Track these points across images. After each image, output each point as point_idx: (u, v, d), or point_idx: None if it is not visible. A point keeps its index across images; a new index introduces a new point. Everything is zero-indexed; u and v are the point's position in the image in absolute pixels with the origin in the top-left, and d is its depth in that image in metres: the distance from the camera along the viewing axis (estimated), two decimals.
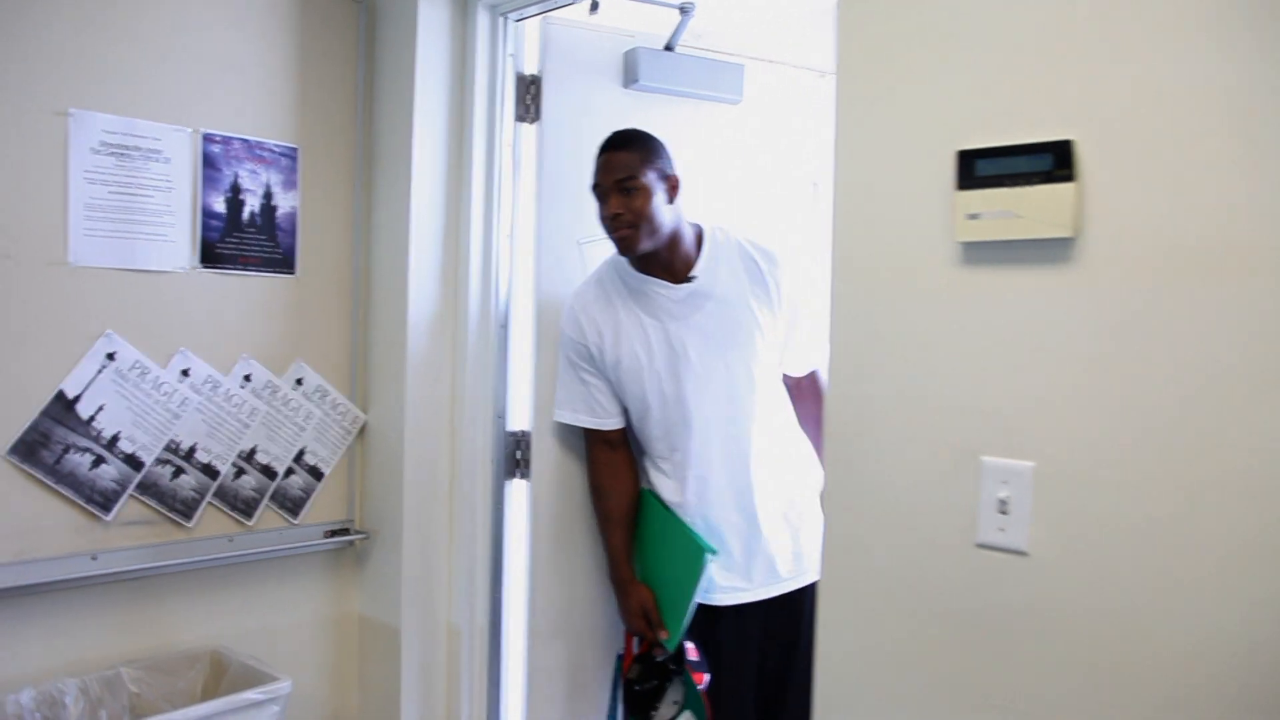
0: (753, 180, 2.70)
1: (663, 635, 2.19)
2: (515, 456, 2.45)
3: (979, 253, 1.40)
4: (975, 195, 1.38)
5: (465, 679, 2.45)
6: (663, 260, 2.19)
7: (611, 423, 2.27)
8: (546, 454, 2.40)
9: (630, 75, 2.49)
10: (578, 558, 2.45)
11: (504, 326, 2.43)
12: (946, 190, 1.42)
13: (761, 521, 2.22)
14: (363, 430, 2.47)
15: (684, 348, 2.19)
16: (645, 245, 2.12)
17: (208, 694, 2.12)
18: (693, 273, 2.20)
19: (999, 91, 1.38)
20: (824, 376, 2.12)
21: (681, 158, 2.56)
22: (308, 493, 2.37)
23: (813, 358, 2.32)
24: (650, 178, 2.12)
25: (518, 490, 2.47)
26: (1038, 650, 1.35)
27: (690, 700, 2.22)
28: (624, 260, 2.23)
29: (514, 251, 2.44)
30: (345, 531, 2.45)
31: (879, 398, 1.52)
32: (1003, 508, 1.38)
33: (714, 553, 2.14)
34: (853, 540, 1.56)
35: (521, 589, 2.45)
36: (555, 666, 2.44)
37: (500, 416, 2.44)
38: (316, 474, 2.39)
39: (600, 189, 2.15)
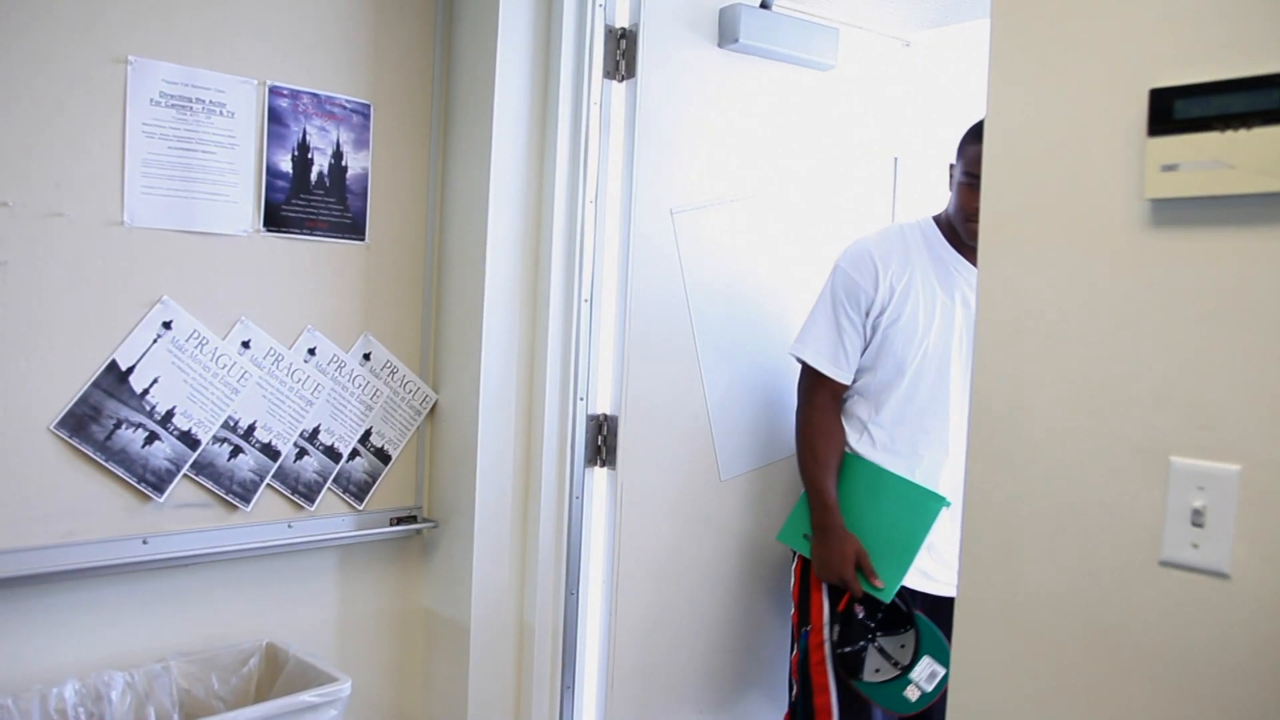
0: (836, 150, 2.53)
1: (878, 584, 2.08)
2: (597, 442, 2.26)
3: (1174, 211, 1.16)
4: (1173, 142, 1.14)
5: (538, 681, 2.26)
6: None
7: (846, 377, 2.19)
8: (633, 440, 2.21)
9: (728, 34, 2.29)
10: (664, 554, 2.26)
11: (588, 301, 2.23)
12: (1133, 137, 1.18)
13: None
14: (433, 410, 2.29)
15: (960, 332, 2.14)
16: None
17: (261, 692, 1.97)
18: None
19: (1205, 14, 1.13)
20: None
21: (773, 124, 2.38)
22: (373, 477, 2.20)
23: None
24: None
25: (599, 479, 2.27)
26: (1236, 694, 1.11)
27: (928, 643, 2.07)
28: (934, 228, 2.20)
29: (600, 220, 2.24)
30: (412, 519, 2.27)
31: (1038, 383, 1.29)
32: (1197, 519, 1.14)
33: (948, 503, 2.07)
34: (1000, 550, 1.33)
35: (600, 586, 2.27)
36: (634, 670, 2.25)
37: (583, 398, 2.24)
38: (383, 456, 2.22)
39: (979, 181, 2.01)
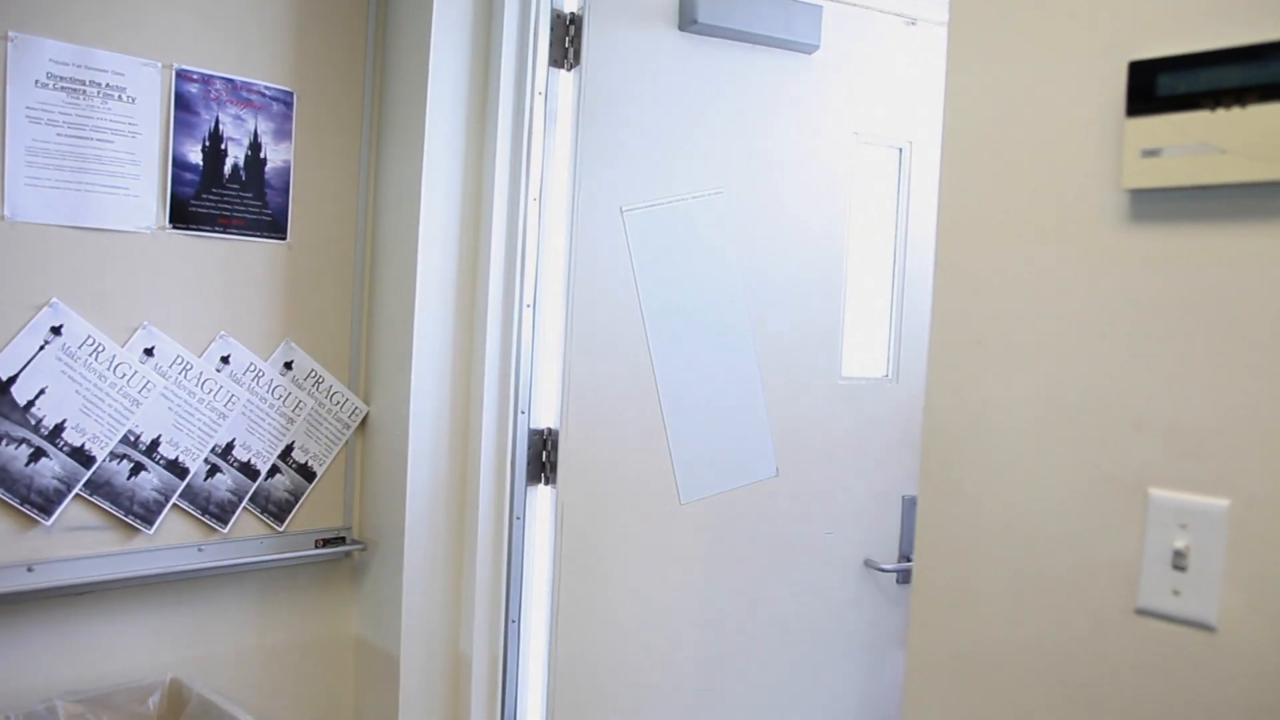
0: (824, 141, 2.29)
1: None
2: (541, 459, 2.09)
3: (1156, 205, 0.99)
4: (1155, 123, 0.97)
5: (475, 716, 2.09)
6: None
7: None
8: (575, 456, 2.03)
9: (688, 15, 2.11)
10: (613, 581, 2.09)
11: (530, 306, 2.07)
12: (1109, 118, 1.02)
13: None
14: (363, 424, 2.12)
15: None
16: None
17: None
18: None
19: None
20: None
21: (744, 114, 2.20)
22: (296, 495, 2.03)
23: None
24: None
25: (543, 498, 2.11)
26: None
27: None
28: None
29: (544, 219, 2.07)
30: (340, 541, 2.10)
31: (1000, 402, 1.12)
32: (1179, 562, 0.98)
33: None
34: (954, 593, 1.17)
35: (544, 614, 2.09)
36: (579, 706, 2.08)
37: (524, 411, 2.07)
38: (307, 474, 2.05)
39: None
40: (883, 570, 2.35)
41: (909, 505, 2.33)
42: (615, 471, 2.08)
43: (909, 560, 2.34)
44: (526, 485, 2.09)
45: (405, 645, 2.03)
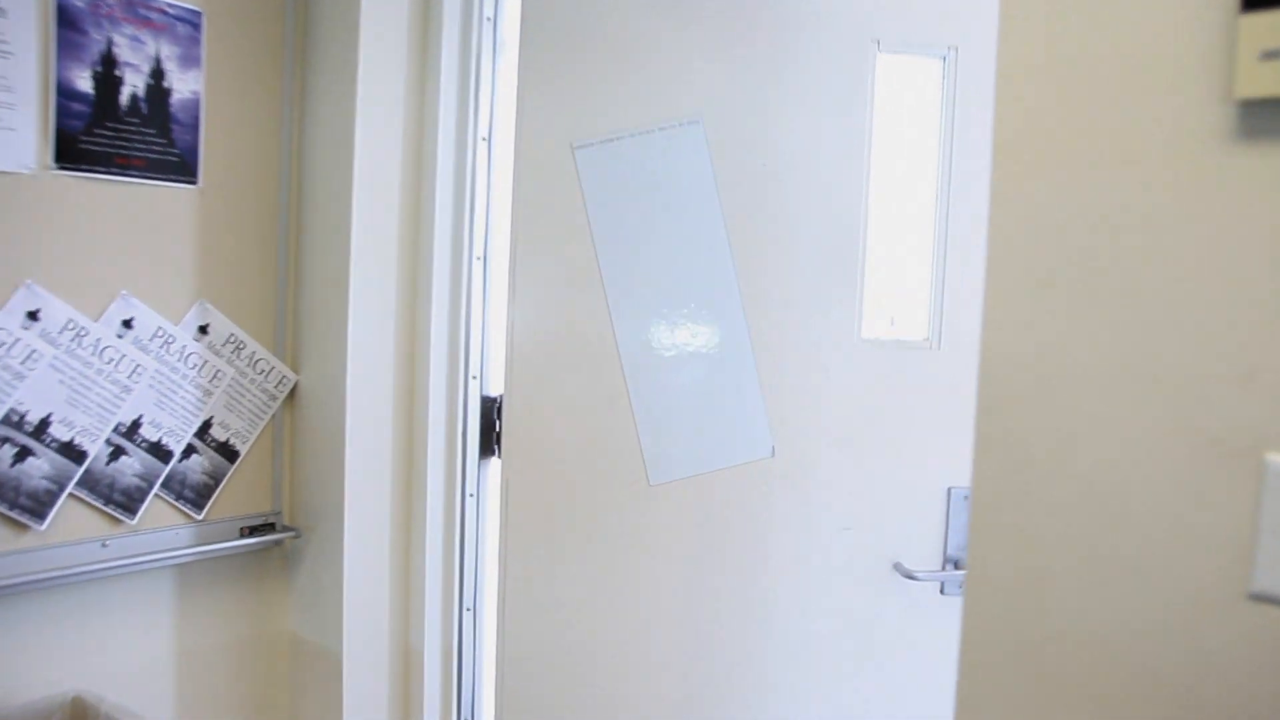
0: (842, 56, 1.89)
1: None
2: (495, 429, 1.88)
3: (1278, 117, 0.81)
4: (1277, 19, 0.80)
5: (429, 714, 1.89)
6: None
7: None
8: (521, 426, 1.82)
9: None
10: (564, 569, 1.86)
11: (481, 259, 1.84)
12: (1218, 14, 0.84)
13: None
14: (292, 394, 1.88)
15: None
16: None
17: None
18: None
19: None
20: None
21: (730, 34, 1.89)
22: (216, 478, 1.78)
23: None
24: None
25: (498, 472, 1.89)
26: None
27: None
28: None
29: (494, 160, 1.84)
30: (269, 528, 1.86)
31: (1075, 353, 0.94)
32: None
33: None
34: (1020, 575, 0.99)
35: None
36: (535, 705, 1.87)
37: (475, 377, 1.85)
38: (229, 453, 1.80)
39: None
40: (917, 578, 1.86)
41: (957, 500, 1.91)
42: (568, 445, 1.85)
43: (956, 566, 1.91)
44: (480, 458, 1.87)
45: (348, 641, 1.80)
